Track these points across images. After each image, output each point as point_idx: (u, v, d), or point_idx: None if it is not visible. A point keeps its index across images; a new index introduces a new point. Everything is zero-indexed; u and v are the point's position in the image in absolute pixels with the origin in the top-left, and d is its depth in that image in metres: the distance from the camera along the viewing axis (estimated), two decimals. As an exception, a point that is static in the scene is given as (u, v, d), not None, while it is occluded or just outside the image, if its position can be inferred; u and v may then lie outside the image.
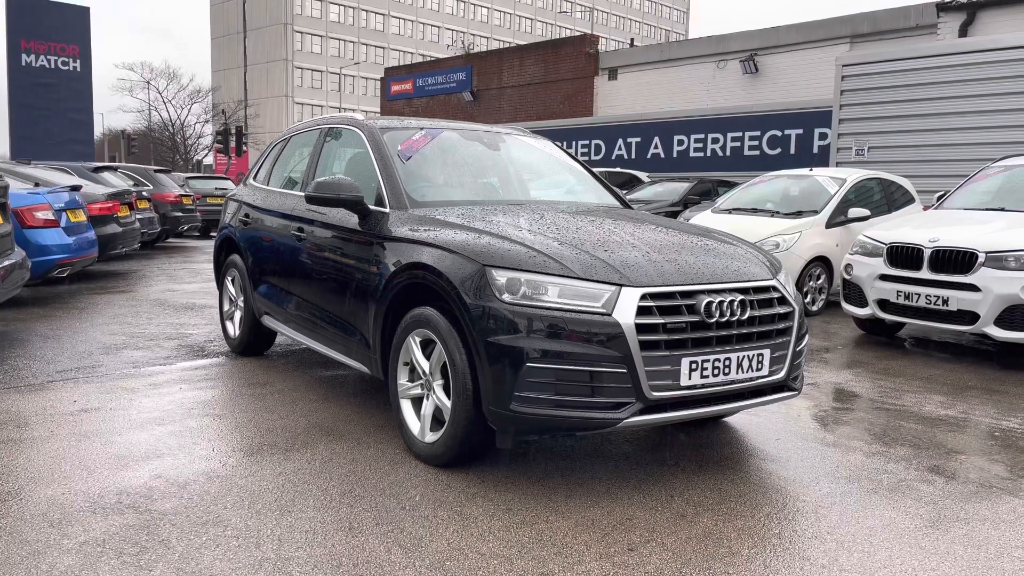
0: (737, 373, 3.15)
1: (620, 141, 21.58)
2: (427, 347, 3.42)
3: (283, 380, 4.83)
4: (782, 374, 3.32)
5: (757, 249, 3.73)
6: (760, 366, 3.21)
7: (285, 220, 4.74)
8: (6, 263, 5.52)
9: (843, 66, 11.59)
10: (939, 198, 7.39)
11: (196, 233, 17.82)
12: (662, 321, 2.99)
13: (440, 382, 3.34)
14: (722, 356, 3.09)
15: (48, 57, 24.69)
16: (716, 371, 3.09)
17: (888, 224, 6.97)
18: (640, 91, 25.69)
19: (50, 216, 7.33)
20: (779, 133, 18.14)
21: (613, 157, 21.52)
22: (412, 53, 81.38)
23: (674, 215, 10.91)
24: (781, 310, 3.32)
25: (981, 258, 5.65)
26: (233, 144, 39.15)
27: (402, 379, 3.56)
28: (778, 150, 18.06)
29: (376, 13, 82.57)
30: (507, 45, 63.53)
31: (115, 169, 13.36)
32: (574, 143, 22.28)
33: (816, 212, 8.24)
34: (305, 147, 5.08)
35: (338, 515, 2.86)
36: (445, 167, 4.50)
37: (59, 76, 24.89)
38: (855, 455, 3.70)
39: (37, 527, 2.71)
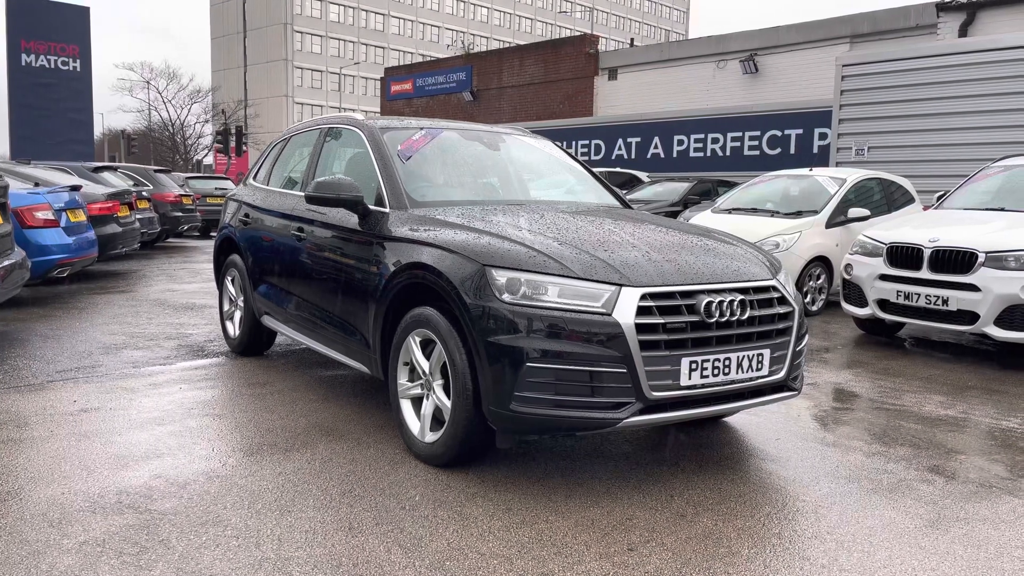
0: (737, 373, 3.15)
1: (620, 141, 21.59)
2: (427, 347, 3.42)
3: (283, 380, 4.83)
4: (782, 374, 3.32)
5: (757, 249, 3.73)
6: (760, 366, 3.21)
7: (285, 220, 4.74)
8: (6, 263, 5.52)
9: (843, 66, 11.59)
10: (939, 198, 7.39)
11: (196, 233, 17.82)
12: (662, 321, 2.99)
13: (440, 382, 3.34)
14: (722, 356, 3.09)
15: (48, 57, 24.67)
16: (716, 371, 3.09)
17: (888, 224, 6.97)
18: (640, 91, 25.69)
19: (50, 216, 7.33)
20: (779, 133, 18.14)
21: (613, 157, 21.52)
22: (412, 53, 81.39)
23: (674, 215, 10.91)
24: (781, 310, 3.32)
25: (981, 258, 5.65)
26: (233, 144, 39.15)
27: (402, 379, 3.56)
28: (778, 150, 18.06)
29: (376, 13, 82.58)
30: (507, 45, 63.54)
31: (115, 169, 13.36)
32: (574, 143, 22.29)
33: (816, 212, 8.24)
34: (305, 147, 5.08)
35: (338, 515, 2.86)
36: (445, 167, 4.50)
37: (59, 76, 24.87)
38: (855, 455, 3.70)
39: (37, 527, 2.71)
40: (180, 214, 14.94)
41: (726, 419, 4.16)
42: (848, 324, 7.33)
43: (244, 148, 40.13)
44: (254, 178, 5.65)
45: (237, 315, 5.52)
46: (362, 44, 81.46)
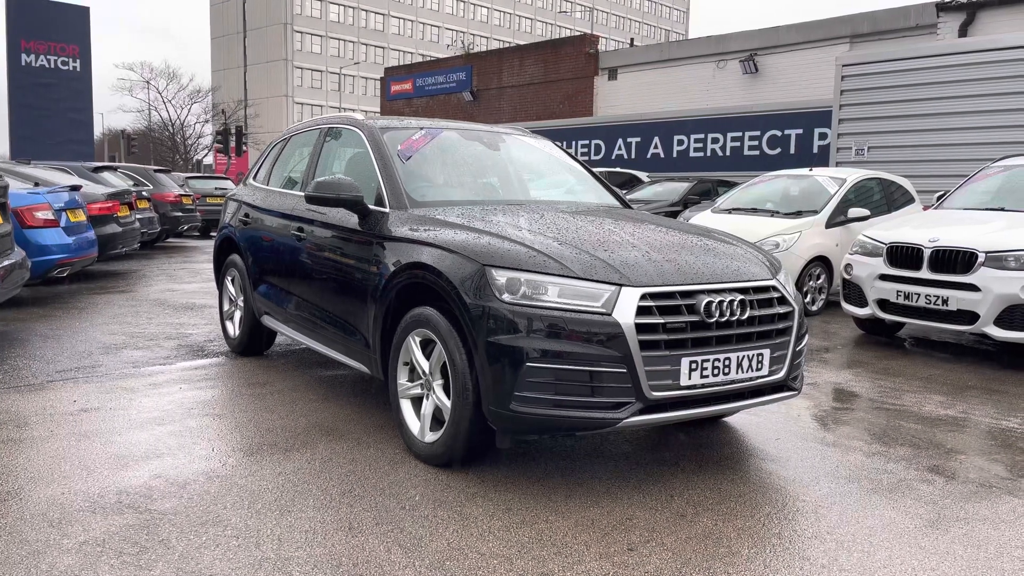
0: (737, 373, 3.15)
1: (620, 141, 21.59)
2: (427, 347, 3.42)
3: (283, 380, 4.83)
4: (782, 374, 3.32)
5: (757, 249, 3.73)
6: (760, 366, 3.22)
7: (285, 220, 4.74)
8: (6, 263, 5.52)
9: (843, 66, 11.59)
10: (939, 198, 7.39)
11: (196, 233, 17.82)
12: (662, 321, 2.99)
13: (440, 382, 3.34)
14: (722, 356, 3.09)
15: (48, 57, 24.68)
16: (716, 371, 3.09)
17: (888, 224, 6.97)
18: (640, 91, 25.69)
19: (50, 216, 7.33)
20: (779, 133, 18.14)
21: (613, 157, 21.52)
22: (412, 53, 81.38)
23: (674, 215, 10.91)
24: (781, 310, 3.32)
25: (981, 258, 5.65)
26: (233, 144, 39.15)
27: (402, 379, 3.56)
28: (778, 150, 18.06)
29: (376, 13, 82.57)
30: (507, 45, 63.54)
31: (115, 169, 13.36)
32: (574, 143, 22.29)
33: (816, 212, 8.24)
34: (305, 147, 5.08)
35: (338, 515, 2.86)
36: (445, 167, 4.50)
37: (59, 76, 24.88)
38: (855, 455, 3.70)
39: (37, 527, 2.71)
40: (180, 214, 14.94)
41: (726, 419, 4.16)
42: (848, 324, 7.33)
43: (244, 148, 40.13)
44: (254, 178, 5.65)
45: (237, 315, 5.52)
46: (362, 44, 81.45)
